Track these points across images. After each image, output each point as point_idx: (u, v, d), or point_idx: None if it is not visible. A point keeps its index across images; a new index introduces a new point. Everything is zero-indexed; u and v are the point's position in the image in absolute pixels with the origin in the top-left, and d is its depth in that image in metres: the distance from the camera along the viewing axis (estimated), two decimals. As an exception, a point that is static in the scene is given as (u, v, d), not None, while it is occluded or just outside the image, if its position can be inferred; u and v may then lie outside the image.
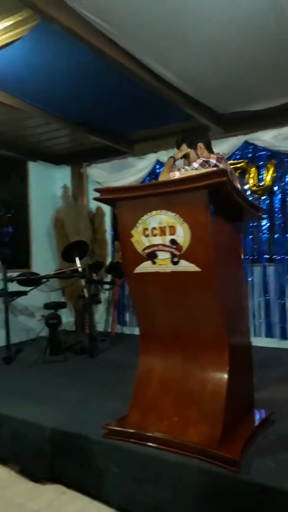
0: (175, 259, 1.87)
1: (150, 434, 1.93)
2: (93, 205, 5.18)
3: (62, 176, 5.32)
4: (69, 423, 2.24)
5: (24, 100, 3.42)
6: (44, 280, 4.16)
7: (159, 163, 4.57)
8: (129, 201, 2.00)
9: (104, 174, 4.94)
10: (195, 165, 2.39)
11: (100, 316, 5.01)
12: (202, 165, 2.37)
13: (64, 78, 3.09)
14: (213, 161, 2.40)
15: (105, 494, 2.00)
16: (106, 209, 5.05)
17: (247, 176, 4.21)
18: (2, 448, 2.41)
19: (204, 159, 2.42)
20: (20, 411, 2.43)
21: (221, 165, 2.36)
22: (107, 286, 4.81)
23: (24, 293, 4.17)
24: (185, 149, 2.59)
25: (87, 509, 1.97)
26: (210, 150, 2.59)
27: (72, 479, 2.14)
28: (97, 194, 2.16)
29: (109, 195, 2.16)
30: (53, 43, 2.65)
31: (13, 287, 4.05)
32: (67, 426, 2.20)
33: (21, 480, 2.24)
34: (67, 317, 5.04)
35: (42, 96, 3.37)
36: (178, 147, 2.64)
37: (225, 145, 4.14)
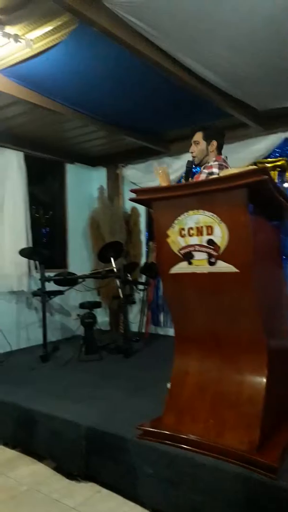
0: (212, 260, 1.84)
1: (185, 436, 1.91)
2: (129, 205, 5.21)
3: (98, 177, 5.38)
4: (104, 422, 2.25)
5: (63, 103, 3.48)
6: (80, 280, 4.22)
7: (196, 162, 4.53)
8: (166, 201, 1.99)
9: (139, 175, 4.95)
10: (215, 170, 2.44)
11: (135, 316, 5.03)
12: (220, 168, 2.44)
13: (101, 80, 3.12)
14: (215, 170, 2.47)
15: (139, 495, 2.00)
16: (141, 209, 5.06)
17: (287, 174, 4.10)
18: (38, 444, 2.46)
19: (218, 162, 2.49)
20: (56, 409, 2.47)
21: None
22: (141, 287, 4.82)
23: (61, 292, 4.25)
24: (199, 138, 2.59)
25: (121, 509, 1.97)
26: (219, 152, 2.61)
27: (107, 478, 2.15)
28: (133, 195, 2.17)
29: (145, 196, 2.16)
30: (90, 46, 2.68)
31: (50, 286, 4.14)
32: (103, 425, 2.22)
33: (57, 477, 2.27)
34: (102, 317, 5.09)
35: (80, 98, 3.43)
36: (193, 134, 2.64)
37: (264, 143, 4.05)
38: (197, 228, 1.87)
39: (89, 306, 4.08)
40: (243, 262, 1.75)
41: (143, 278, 4.87)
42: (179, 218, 1.92)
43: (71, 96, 3.38)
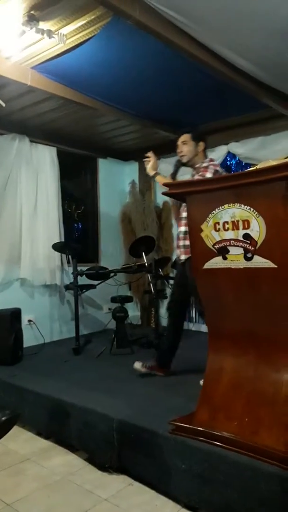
0: (249, 255, 1.79)
1: (218, 433, 1.88)
2: (160, 200, 5.18)
3: (130, 172, 5.38)
4: (136, 416, 2.26)
5: (95, 98, 3.50)
6: (111, 274, 4.25)
7: (230, 154, 4.45)
8: (200, 195, 1.96)
9: (172, 169, 4.90)
10: (208, 175, 2.63)
11: (166, 311, 5.00)
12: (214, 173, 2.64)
13: (134, 73, 3.10)
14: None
15: (171, 490, 1.99)
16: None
17: None
18: (71, 435, 2.49)
19: (214, 168, 2.68)
20: (88, 401, 2.50)
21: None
22: (173, 282, 4.79)
23: (92, 286, 4.29)
24: (187, 138, 2.79)
25: (153, 503, 1.97)
26: (205, 155, 2.87)
27: (139, 472, 2.16)
28: (166, 189, 2.14)
29: (178, 189, 2.13)
30: (122, 39, 2.66)
31: (82, 280, 4.19)
32: (134, 419, 2.22)
33: (89, 468, 2.30)
34: (133, 311, 5.11)
35: (112, 92, 3.42)
36: (181, 134, 2.84)
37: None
38: (233, 222, 1.83)
39: (121, 300, 4.10)
40: (282, 257, 1.69)
41: (174, 273, 4.84)
42: (214, 212, 1.88)
43: (103, 90, 3.39)
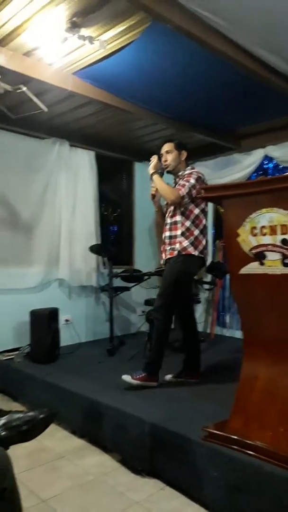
0: (287, 261, 1.75)
1: (252, 443, 1.84)
2: (196, 203, 5.14)
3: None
4: (169, 420, 2.25)
5: (133, 102, 3.53)
6: (145, 277, 4.26)
7: (267, 158, 4.37)
8: (237, 199, 1.93)
9: (208, 172, 4.84)
10: (192, 180, 2.82)
11: (199, 316, 4.97)
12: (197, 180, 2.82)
13: (171, 77, 3.10)
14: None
15: (204, 497, 1.97)
16: (208, 207, 4.96)
17: None
18: (104, 436, 2.52)
19: (197, 174, 2.86)
20: (122, 403, 2.52)
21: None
22: (207, 286, 4.75)
23: (127, 288, 4.32)
24: (171, 147, 2.95)
25: (185, 509, 1.96)
26: (186, 162, 3.03)
27: (171, 476, 2.15)
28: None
29: (214, 193, 2.12)
30: (159, 43, 2.67)
31: (117, 282, 4.23)
32: (167, 423, 2.22)
33: (122, 470, 2.32)
34: (167, 315, 5.09)
35: (149, 96, 3.44)
36: (163, 144, 2.99)
37: None
38: (271, 227, 1.79)
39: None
40: None
41: (208, 278, 4.80)
42: (251, 216, 1.85)
43: (141, 94, 3.41)
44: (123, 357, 3.75)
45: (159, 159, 2.99)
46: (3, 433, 1.49)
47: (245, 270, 1.92)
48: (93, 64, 2.94)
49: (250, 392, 1.96)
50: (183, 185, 2.83)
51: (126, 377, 2.80)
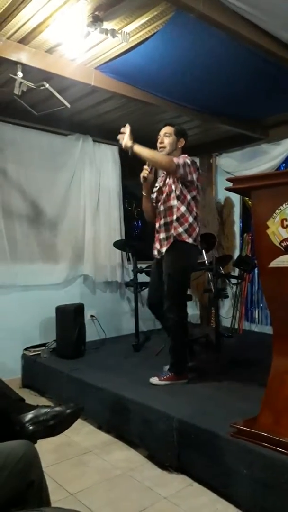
0: None
1: (282, 440, 1.80)
2: (221, 196, 5.07)
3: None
4: (196, 416, 2.23)
5: (156, 94, 3.48)
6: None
7: (297, 148, 4.25)
8: (267, 190, 1.87)
9: (234, 163, 4.78)
10: (188, 160, 2.75)
11: (227, 311, 4.90)
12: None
13: (196, 67, 3.04)
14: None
15: (233, 494, 1.94)
16: (235, 200, 4.90)
17: None
18: (131, 431, 2.52)
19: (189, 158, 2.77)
20: (149, 398, 2.51)
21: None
22: (234, 281, 4.67)
23: (152, 284, 4.29)
24: (171, 131, 2.87)
25: (214, 506, 1.93)
26: (181, 152, 2.91)
27: (199, 473, 2.13)
28: (228, 184, 2.08)
29: (242, 184, 2.06)
30: (184, 33, 2.61)
31: (142, 278, 4.21)
32: (195, 419, 2.19)
33: (150, 465, 2.31)
34: (192, 310, 5.06)
35: (173, 88, 3.39)
36: (163, 127, 2.91)
37: None
38: (302, 218, 1.73)
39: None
40: None
41: (236, 272, 4.72)
42: (282, 207, 1.79)
43: (164, 86, 3.36)
44: (148, 353, 3.74)
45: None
46: (30, 428, 1.50)
47: (275, 263, 1.86)
48: (116, 58, 2.91)
49: (281, 387, 1.91)
50: (178, 158, 2.75)
51: (154, 380, 2.77)
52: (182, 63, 2.97)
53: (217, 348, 3.73)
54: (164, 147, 2.86)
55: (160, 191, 2.95)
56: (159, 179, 3.07)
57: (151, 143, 4.78)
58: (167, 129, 2.88)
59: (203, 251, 3.95)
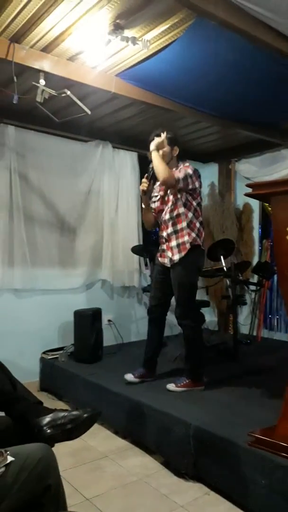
0: None
1: (302, 451, 1.76)
2: (240, 201, 5.03)
3: (209, 174, 5.30)
4: (214, 423, 2.20)
5: (176, 101, 3.49)
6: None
7: None
8: (287, 195, 1.85)
9: (253, 169, 4.75)
10: (189, 171, 2.78)
11: (245, 318, 4.85)
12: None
13: (215, 73, 3.04)
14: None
15: (250, 504, 1.91)
16: (255, 205, 4.85)
17: None
18: (147, 438, 2.51)
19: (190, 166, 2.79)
20: (165, 405, 2.50)
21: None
22: (253, 287, 4.62)
23: (170, 289, 4.28)
24: (164, 140, 2.82)
25: (231, 516, 1.91)
26: (178, 159, 2.91)
27: (216, 481, 2.10)
28: (248, 190, 2.07)
29: (262, 190, 2.04)
30: (204, 40, 2.62)
31: (160, 283, 4.20)
32: (212, 426, 2.17)
33: (165, 472, 2.30)
34: (210, 316, 5.02)
35: (193, 94, 3.39)
36: (156, 137, 2.83)
37: None
38: None
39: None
40: None
41: (255, 278, 4.66)
42: (302, 214, 1.77)
43: (184, 92, 3.37)
44: (165, 359, 3.71)
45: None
46: (48, 431, 1.51)
47: (295, 270, 1.84)
48: (136, 65, 2.94)
49: (300, 398, 1.87)
50: (180, 171, 2.78)
51: (171, 386, 2.76)
52: (202, 68, 2.97)
53: (235, 355, 3.69)
54: None
55: (162, 200, 2.95)
56: (157, 188, 3.07)
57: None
58: (159, 139, 2.86)
59: (221, 257, 3.93)
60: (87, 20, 2.40)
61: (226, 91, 3.31)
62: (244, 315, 4.89)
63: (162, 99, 3.40)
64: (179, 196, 2.82)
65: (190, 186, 2.79)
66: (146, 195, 2.94)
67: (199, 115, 3.74)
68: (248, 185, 2.07)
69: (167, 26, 2.48)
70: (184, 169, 2.80)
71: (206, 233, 5.02)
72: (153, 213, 3.04)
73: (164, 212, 2.93)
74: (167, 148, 2.85)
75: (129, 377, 2.95)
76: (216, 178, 5.23)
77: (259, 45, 2.53)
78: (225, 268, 3.89)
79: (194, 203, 2.87)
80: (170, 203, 2.87)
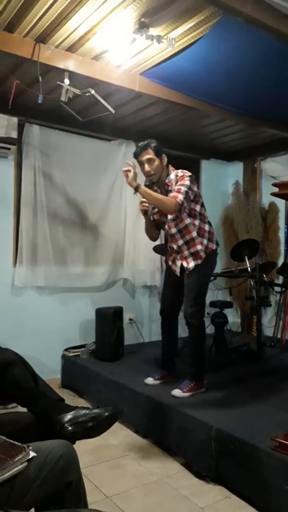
0: None
1: None
2: (266, 201, 4.94)
3: (234, 172, 5.24)
4: (236, 427, 2.17)
5: (201, 99, 3.46)
6: (211, 278, 4.16)
7: None
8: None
9: (280, 168, 4.65)
10: (187, 183, 2.66)
11: (269, 320, 4.76)
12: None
13: (241, 70, 2.99)
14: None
15: (273, 510, 1.87)
16: (281, 205, 4.75)
17: None
18: (168, 438, 2.49)
19: (186, 175, 2.70)
20: (187, 406, 2.48)
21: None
22: (278, 289, 4.53)
23: (192, 289, 4.24)
24: (152, 155, 2.67)
25: (252, 521, 1.87)
26: (167, 166, 2.78)
27: (237, 485, 2.07)
28: (274, 189, 2.03)
29: (289, 190, 2.00)
30: (230, 37, 2.58)
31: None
32: (233, 429, 2.14)
33: (186, 473, 2.28)
34: (233, 318, 4.96)
35: (218, 92, 3.35)
36: (140, 153, 2.69)
37: None
38: None
39: (220, 305, 4.00)
40: None
41: (280, 280, 4.57)
42: None
43: (209, 90, 3.33)
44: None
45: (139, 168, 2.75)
46: (69, 428, 1.52)
47: None
48: (161, 63, 2.93)
49: None
50: (179, 190, 2.62)
51: (177, 393, 2.68)
52: (227, 66, 2.93)
53: (258, 358, 3.63)
54: (153, 175, 2.71)
55: (163, 213, 2.82)
56: None
57: (194, 147, 4.79)
58: (147, 155, 2.68)
59: (246, 257, 3.87)
60: (112, 19, 2.41)
61: (252, 88, 3.26)
62: (268, 317, 4.80)
63: (186, 97, 3.38)
64: (181, 208, 2.69)
65: (192, 197, 2.71)
66: (147, 216, 2.83)
67: (224, 113, 3.70)
68: (275, 184, 2.03)
69: (193, 23, 2.45)
70: (181, 183, 2.65)
71: (230, 233, 5.00)
72: (155, 223, 2.95)
73: (166, 225, 2.81)
74: (157, 161, 2.69)
75: (150, 380, 2.94)
76: (241, 177, 5.16)
77: (287, 41, 2.47)
78: (249, 269, 3.83)
79: (198, 208, 2.79)
80: (172, 216, 2.74)
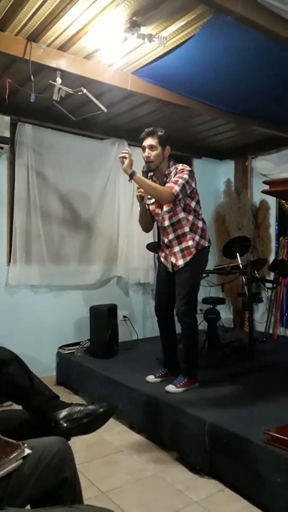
0: None
1: None
2: (257, 199, 4.99)
3: (225, 170, 5.27)
4: (229, 421, 2.20)
5: (192, 98, 3.48)
6: (204, 275, 4.19)
7: None
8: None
9: (271, 166, 4.70)
10: (186, 176, 2.65)
11: (261, 315, 4.81)
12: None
13: (232, 69, 3.01)
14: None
15: (266, 503, 1.90)
16: (272, 202, 4.80)
17: None
18: (162, 433, 2.52)
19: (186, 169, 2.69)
20: (180, 401, 2.51)
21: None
22: (269, 285, 4.58)
23: (185, 286, 4.27)
24: (155, 142, 2.67)
25: (246, 513, 1.91)
26: (169, 159, 2.78)
27: (231, 478, 2.10)
28: (265, 187, 2.05)
29: (280, 187, 2.01)
30: (219, 36, 2.60)
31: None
32: (227, 424, 2.17)
33: (180, 468, 2.30)
34: (225, 314, 5.00)
35: (209, 91, 3.37)
36: (146, 137, 2.69)
37: None
38: None
39: (213, 301, 4.04)
40: None
41: (271, 276, 4.62)
42: None
43: (200, 89, 3.35)
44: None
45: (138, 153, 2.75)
46: (64, 425, 1.54)
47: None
48: (152, 62, 2.94)
49: None
50: (176, 181, 2.61)
51: (170, 388, 2.70)
52: (218, 65, 2.95)
53: (251, 353, 3.67)
54: (151, 162, 2.70)
55: (159, 205, 2.82)
56: None
57: (186, 146, 4.81)
58: (151, 141, 2.68)
59: (238, 254, 3.90)
60: (104, 18, 2.42)
61: (243, 87, 3.28)
62: (260, 312, 4.85)
63: (178, 96, 3.40)
64: (177, 201, 2.70)
65: (189, 192, 2.71)
66: (143, 202, 2.79)
67: (216, 112, 3.72)
68: (265, 182, 2.05)
69: (184, 22, 2.47)
70: (179, 176, 2.64)
71: (222, 230, 5.04)
72: (150, 214, 2.93)
73: (160, 217, 2.82)
74: (159, 150, 2.68)
75: (151, 378, 2.94)
76: (232, 175, 5.20)
77: (277, 41, 2.50)
78: (241, 266, 3.87)
79: (193, 204, 2.78)
80: (168, 208, 2.75)
